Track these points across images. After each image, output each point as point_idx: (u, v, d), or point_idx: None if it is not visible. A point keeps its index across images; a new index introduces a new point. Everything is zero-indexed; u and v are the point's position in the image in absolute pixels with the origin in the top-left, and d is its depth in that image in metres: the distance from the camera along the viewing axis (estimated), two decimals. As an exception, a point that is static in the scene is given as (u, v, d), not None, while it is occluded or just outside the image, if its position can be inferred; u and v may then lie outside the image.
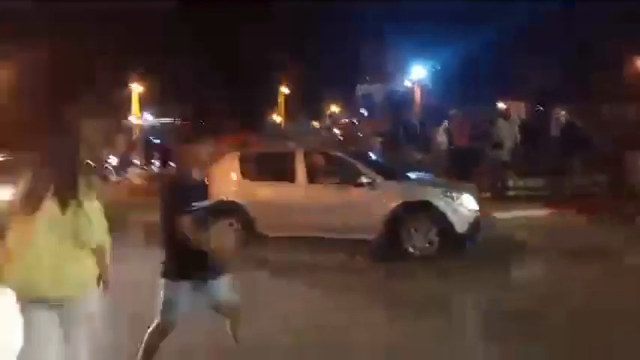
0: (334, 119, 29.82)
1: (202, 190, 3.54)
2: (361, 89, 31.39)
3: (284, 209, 7.61)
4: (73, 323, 2.86)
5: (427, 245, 7.15)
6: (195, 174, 3.50)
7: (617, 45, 21.63)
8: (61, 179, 2.83)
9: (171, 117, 27.11)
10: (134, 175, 17.78)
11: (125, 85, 25.74)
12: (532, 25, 24.26)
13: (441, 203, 7.15)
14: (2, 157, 12.39)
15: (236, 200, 7.77)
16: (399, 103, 29.91)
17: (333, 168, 7.76)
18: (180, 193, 3.37)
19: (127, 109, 26.08)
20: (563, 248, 7.33)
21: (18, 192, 2.85)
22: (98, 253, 2.90)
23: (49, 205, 2.79)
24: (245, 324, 3.86)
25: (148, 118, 27.97)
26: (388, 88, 32.33)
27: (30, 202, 2.81)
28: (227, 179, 8.01)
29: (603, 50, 22.59)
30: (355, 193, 7.39)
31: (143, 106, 26.68)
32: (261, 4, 26.45)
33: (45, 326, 2.79)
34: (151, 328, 3.47)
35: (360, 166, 7.54)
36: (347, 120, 29.49)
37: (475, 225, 7.25)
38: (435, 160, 13.59)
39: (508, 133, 13.05)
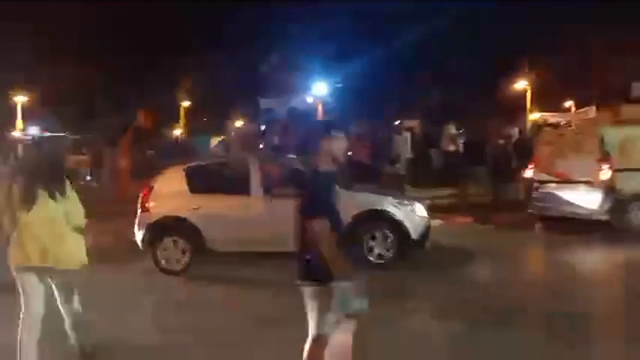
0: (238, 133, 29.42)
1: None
2: (263, 103, 31.39)
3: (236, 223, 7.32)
4: (69, 288, 3.90)
5: (385, 252, 7.26)
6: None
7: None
8: (51, 176, 3.81)
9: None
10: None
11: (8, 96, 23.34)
12: (434, 43, 25.91)
13: (397, 211, 7.32)
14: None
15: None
16: (300, 117, 30.28)
17: (287, 178, 7.59)
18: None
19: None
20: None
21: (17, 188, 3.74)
22: (80, 232, 3.88)
23: (42, 195, 3.74)
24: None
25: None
26: (290, 102, 32.61)
27: (28, 197, 3.72)
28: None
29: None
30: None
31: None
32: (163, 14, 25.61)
33: (34, 286, 3.84)
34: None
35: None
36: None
37: (426, 231, 7.50)
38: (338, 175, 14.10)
39: (403, 149, 14.51)
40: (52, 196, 3.70)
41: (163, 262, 7.39)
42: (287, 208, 7.30)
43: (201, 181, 7.66)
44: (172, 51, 26.11)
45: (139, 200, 7.66)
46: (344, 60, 28.01)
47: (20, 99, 23.63)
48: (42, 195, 3.70)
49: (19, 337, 3.76)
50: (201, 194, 7.53)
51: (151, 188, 7.66)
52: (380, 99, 29.14)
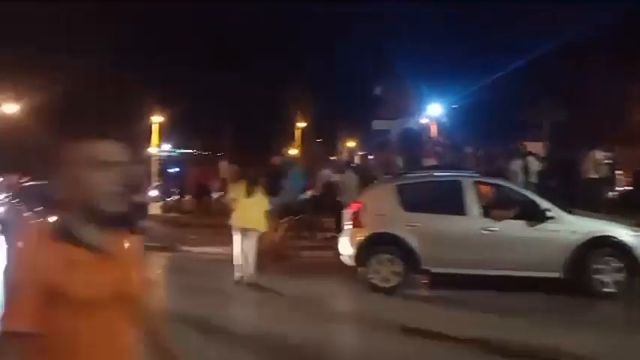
0: (350, 154, 29.66)
1: None
2: (377, 125, 31.51)
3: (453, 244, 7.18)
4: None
5: (616, 281, 6.83)
6: None
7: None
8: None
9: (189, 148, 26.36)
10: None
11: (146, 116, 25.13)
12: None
13: (628, 238, 6.88)
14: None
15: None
16: (413, 139, 30.09)
17: (504, 200, 7.39)
18: None
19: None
20: None
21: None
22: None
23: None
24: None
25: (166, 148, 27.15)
26: (403, 124, 32.53)
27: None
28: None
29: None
30: (535, 227, 7.02)
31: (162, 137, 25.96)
32: (275, 40, 26.63)
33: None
34: None
35: (538, 199, 7.20)
36: (362, 154, 29.40)
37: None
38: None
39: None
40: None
41: (374, 278, 7.40)
42: (508, 229, 7.28)
43: (414, 199, 7.60)
44: (284, 70, 26.92)
45: (349, 216, 7.76)
46: (461, 80, 27.60)
47: (157, 119, 25.26)
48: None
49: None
50: (414, 212, 7.47)
51: (361, 204, 7.73)
52: (498, 120, 28.33)
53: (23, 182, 17.07)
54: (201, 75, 25.81)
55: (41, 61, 21.08)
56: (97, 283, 1.37)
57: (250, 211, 7.51)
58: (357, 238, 7.53)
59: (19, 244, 1.40)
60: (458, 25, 29.07)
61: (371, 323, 6.08)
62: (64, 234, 1.38)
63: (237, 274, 7.59)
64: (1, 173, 17.07)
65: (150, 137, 25.47)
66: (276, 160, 11.69)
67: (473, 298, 6.90)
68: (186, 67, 26.07)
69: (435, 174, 8.32)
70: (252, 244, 7.58)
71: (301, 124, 30.64)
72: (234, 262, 7.65)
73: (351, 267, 7.79)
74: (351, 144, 31.34)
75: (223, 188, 21.43)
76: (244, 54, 29.40)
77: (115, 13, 23.06)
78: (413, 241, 7.31)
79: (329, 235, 11.17)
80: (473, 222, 7.23)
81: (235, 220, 7.63)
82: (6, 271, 1.36)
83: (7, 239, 10.08)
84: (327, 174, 13.23)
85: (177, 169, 27.61)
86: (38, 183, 14.96)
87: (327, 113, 30.26)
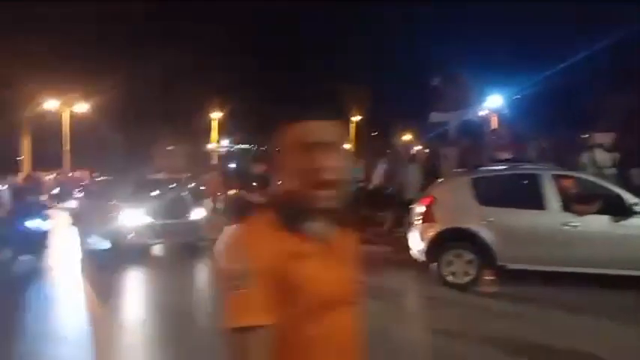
0: (406, 147, 29.24)
1: None
2: (434, 117, 30.82)
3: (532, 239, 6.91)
4: None
5: None
6: None
7: None
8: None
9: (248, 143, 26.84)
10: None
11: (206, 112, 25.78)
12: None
13: None
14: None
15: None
16: (473, 131, 29.31)
17: (586, 193, 7.04)
18: None
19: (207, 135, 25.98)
20: None
21: None
22: None
23: None
24: None
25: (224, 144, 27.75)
26: (462, 116, 31.68)
27: None
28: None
29: None
30: (621, 223, 6.65)
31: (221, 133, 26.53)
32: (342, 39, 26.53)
33: None
34: None
35: (624, 193, 6.82)
36: (419, 147, 28.91)
37: None
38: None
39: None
40: None
41: (448, 274, 7.24)
42: (591, 225, 6.94)
43: (490, 193, 7.37)
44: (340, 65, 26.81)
45: (419, 210, 7.62)
46: (523, 69, 26.65)
47: (215, 115, 25.82)
48: None
49: None
50: (490, 206, 7.23)
51: (433, 198, 7.57)
52: (564, 110, 27.22)
53: (94, 178, 17.86)
54: (261, 73, 26.16)
55: (108, 64, 21.94)
56: (324, 278, 1.27)
57: None
58: (429, 234, 7.39)
59: (234, 232, 1.28)
60: (518, 14, 28.10)
61: (446, 320, 5.97)
62: (288, 223, 1.27)
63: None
64: (75, 169, 17.98)
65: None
66: None
67: (548, 294, 6.64)
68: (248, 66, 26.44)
69: (512, 167, 8.02)
70: None
71: (355, 118, 30.49)
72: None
73: (416, 263, 7.68)
74: (407, 137, 30.91)
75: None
76: (303, 49, 29.49)
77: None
78: (489, 237, 7.10)
79: (388, 229, 11.03)
80: (553, 217, 6.93)
81: None
82: (218, 261, 1.26)
83: (80, 231, 10.58)
84: (385, 168, 13.01)
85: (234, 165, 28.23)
86: (109, 178, 15.61)
87: (383, 106, 29.97)
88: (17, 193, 10.27)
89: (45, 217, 9.39)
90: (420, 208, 7.64)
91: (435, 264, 7.38)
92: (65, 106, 26.04)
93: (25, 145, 30.52)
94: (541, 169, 7.38)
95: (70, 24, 22.41)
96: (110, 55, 22.88)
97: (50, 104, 26.36)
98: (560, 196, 6.98)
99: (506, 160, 8.65)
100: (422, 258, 7.55)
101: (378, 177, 12.95)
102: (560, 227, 6.83)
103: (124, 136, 26.64)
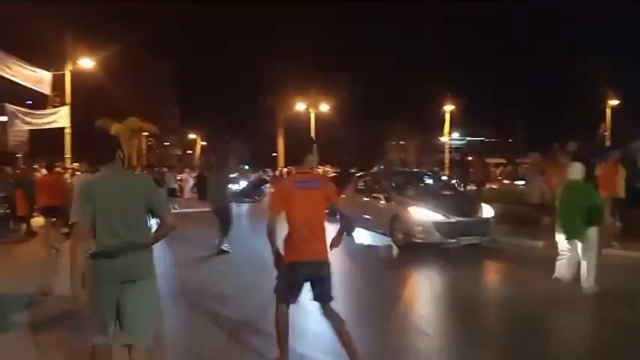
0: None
1: None
2: None
3: None
4: None
5: None
6: None
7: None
8: None
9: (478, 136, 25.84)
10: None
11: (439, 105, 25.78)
12: None
13: None
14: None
15: None
16: None
17: None
18: None
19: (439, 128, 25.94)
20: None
21: None
22: None
23: None
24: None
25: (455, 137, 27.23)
26: None
27: None
28: None
29: None
30: None
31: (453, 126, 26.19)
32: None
33: None
34: None
35: None
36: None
37: None
38: None
39: None
40: None
41: None
42: None
43: None
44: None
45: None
46: None
47: (448, 107, 25.55)
48: None
49: None
50: None
51: None
52: None
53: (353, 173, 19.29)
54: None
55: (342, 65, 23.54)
56: None
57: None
58: None
59: None
60: None
61: None
62: None
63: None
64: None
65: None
66: (571, 146, 8.97)
67: None
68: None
69: None
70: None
71: (613, 102, 26.50)
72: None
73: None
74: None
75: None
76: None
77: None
78: None
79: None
80: None
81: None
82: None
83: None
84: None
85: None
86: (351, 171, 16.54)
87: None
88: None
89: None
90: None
91: None
92: (312, 108, 29.00)
93: (280, 143, 35.00)
94: None
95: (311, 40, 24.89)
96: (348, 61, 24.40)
97: (299, 107, 29.71)
98: None
99: None
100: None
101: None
102: None
103: (359, 132, 28.29)
